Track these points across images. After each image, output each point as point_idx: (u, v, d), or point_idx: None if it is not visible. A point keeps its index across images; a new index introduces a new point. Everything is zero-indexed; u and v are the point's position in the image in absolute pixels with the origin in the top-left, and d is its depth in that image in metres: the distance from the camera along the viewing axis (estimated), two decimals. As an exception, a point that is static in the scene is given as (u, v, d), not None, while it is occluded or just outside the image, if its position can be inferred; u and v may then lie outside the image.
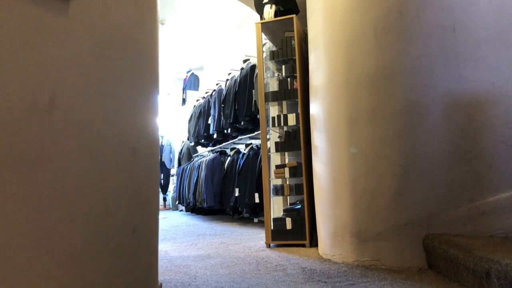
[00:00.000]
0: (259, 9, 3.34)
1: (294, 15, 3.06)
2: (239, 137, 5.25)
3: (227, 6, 5.52)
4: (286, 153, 3.34)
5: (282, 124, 3.05)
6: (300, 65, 3.02)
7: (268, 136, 3.33)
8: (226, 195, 5.16)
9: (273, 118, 3.09)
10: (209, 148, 6.44)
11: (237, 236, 3.69)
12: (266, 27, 3.27)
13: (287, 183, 3.05)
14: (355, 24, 2.27)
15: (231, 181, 5.06)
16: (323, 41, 2.50)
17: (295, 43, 3.03)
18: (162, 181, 8.21)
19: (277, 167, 3.04)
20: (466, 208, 1.95)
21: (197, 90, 8.01)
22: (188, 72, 8.16)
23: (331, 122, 2.39)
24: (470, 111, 2.00)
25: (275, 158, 3.38)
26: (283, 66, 3.11)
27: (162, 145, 8.20)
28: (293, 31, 3.06)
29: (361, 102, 2.21)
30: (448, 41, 2.06)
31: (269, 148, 3.22)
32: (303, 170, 2.90)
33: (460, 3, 2.08)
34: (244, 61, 5.08)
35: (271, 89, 3.27)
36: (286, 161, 3.29)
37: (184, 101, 8.04)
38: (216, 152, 5.90)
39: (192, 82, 8.02)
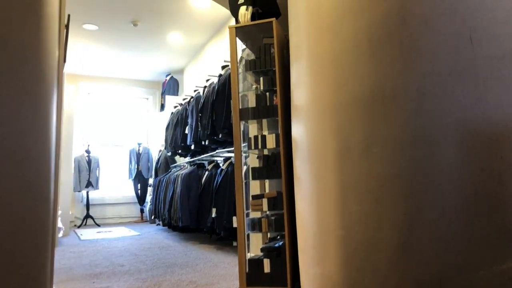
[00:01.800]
0: (234, 11, 2.86)
1: (273, 19, 2.59)
2: (217, 150, 4.77)
3: (207, 6, 5.03)
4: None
5: (260, 147, 2.57)
6: (280, 77, 2.55)
7: (244, 159, 2.86)
8: (203, 214, 4.68)
9: (250, 139, 2.61)
10: (187, 159, 5.94)
11: (210, 270, 3.21)
12: (242, 32, 2.79)
13: (266, 216, 2.58)
14: (345, 33, 1.81)
15: (209, 198, 4.58)
16: (306, 53, 2.03)
17: (275, 51, 2.56)
18: (139, 191, 7.68)
19: (254, 197, 2.56)
20: (489, 272, 1.50)
21: (177, 95, 7.50)
22: (167, 76, 7.64)
23: (317, 152, 1.92)
24: (494, 145, 1.56)
25: (253, 184, 2.90)
26: (261, 78, 2.64)
27: (139, 153, 7.67)
28: (272, 37, 2.59)
29: (354, 130, 1.75)
30: (463, 55, 1.62)
31: (245, 173, 2.75)
32: (284, 202, 2.44)
33: (479, 8, 1.63)
34: (223, 67, 4.60)
35: (249, 104, 2.79)
36: (266, 189, 2.81)
37: (162, 106, 7.52)
38: (194, 164, 5.40)
39: (171, 86, 7.50)
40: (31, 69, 1.21)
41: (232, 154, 4.66)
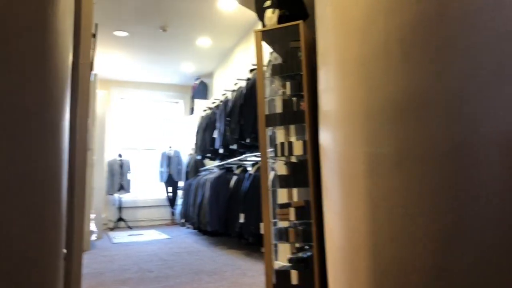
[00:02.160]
0: (260, 15, 2.79)
1: (300, 22, 2.50)
2: (245, 154, 4.71)
3: (234, 10, 4.98)
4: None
5: (287, 153, 2.48)
6: (308, 81, 2.45)
7: (271, 166, 2.77)
8: (232, 218, 4.63)
9: (276, 145, 2.52)
10: (216, 163, 5.93)
11: (238, 278, 3.15)
12: (269, 36, 2.71)
13: (293, 225, 2.49)
14: (375, 35, 1.69)
15: (237, 203, 4.52)
16: (334, 57, 1.93)
17: (302, 55, 2.47)
18: (170, 194, 7.75)
19: (281, 206, 2.48)
20: (539, 298, 1.35)
21: (206, 98, 7.51)
22: (196, 79, 7.67)
23: (345, 163, 1.81)
24: (543, 156, 1.40)
25: (281, 192, 2.82)
26: (288, 83, 2.55)
27: (170, 156, 7.73)
28: (300, 40, 2.50)
29: (385, 139, 1.63)
30: (508, 53, 1.47)
31: (273, 180, 2.66)
32: (312, 212, 2.34)
33: (526, 4, 1.48)
34: (251, 70, 4.54)
35: (276, 110, 2.71)
36: (294, 197, 2.72)
37: (192, 110, 7.56)
38: (222, 168, 5.37)
39: (200, 90, 7.53)
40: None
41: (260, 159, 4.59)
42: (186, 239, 5.78)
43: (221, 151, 5.30)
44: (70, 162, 1.27)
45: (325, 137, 2.07)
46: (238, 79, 4.99)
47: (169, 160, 7.72)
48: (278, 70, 2.57)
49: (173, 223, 7.78)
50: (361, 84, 1.74)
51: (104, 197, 7.24)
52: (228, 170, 5.20)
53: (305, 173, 2.40)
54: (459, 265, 1.43)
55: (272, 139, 3.01)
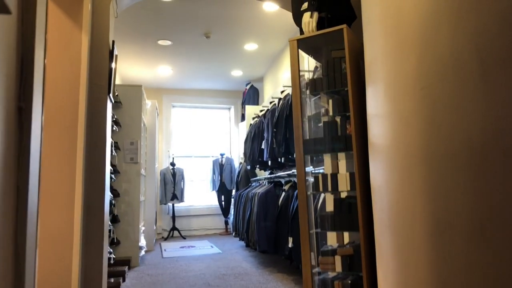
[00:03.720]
0: (297, 19, 2.35)
1: (344, 26, 2.03)
2: (294, 169, 4.28)
3: (278, 13, 4.57)
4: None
5: (330, 189, 2.03)
6: (355, 99, 1.98)
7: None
8: (281, 239, 4.24)
9: (317, 178, 2.08)
10: (267, 173, 5.56)
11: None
12: (307, 44, 2.27)
13: (340, 277, 2.04)
14: (441, 49, 1.20)
15: (286, 223, 4.12)
16: (383, 74, 1.46)
17: (347, 67, 2.00)
18: (223, 203, 7.52)
19: (324, 253, 2.03)
20: None
21: (257, 104, 7.17)
22: (247, 84, 7.34)
23: (401, 220, 1.34)
24: None
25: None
26: (330, 101, 2.10)
27: (222, 164, 7.50)
28: (343, 49, 2.03)
29: (458, 198, 1.14)
30: None
31: (317, 215, 2.23)
32: (363, 263, 1.87)
33: None
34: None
35: (317, 134, 2.27)
36: (345, 239, 2.25)
37: (243, 116, 7.24)
38: (271, 182, 4.98)
39: (251, 96, 7.19)
40: None
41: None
42: (237, 255, 5.48)
43: (269, 163, 4.92)
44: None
45: (376, 176, 1.61)
46: (284, 86, 4.56)
47: (221, 168, 7.49)
48: (317, 86, 2.13)
49: (226, 232, 7.55)
50: (420, 114, 1.26)
51: (158, 207, 7.18)
52: (277, 184, 4.80)
53: (353, 214, 1.94)
54: None
55: (318, 161, 2.56)
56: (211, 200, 7.82)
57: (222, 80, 7.34)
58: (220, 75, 7.02)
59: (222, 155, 7.60)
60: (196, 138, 8.11)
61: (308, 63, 2.32)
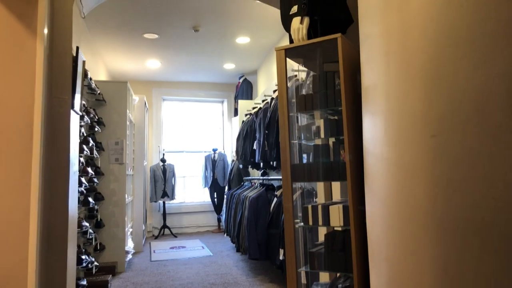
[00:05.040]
0: (286, 24, 2.06)
1: (339, 35, 1.74)
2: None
3: (270, 6, 4.24)
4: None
5: (321, 223, 1.78)
6: (350, 121, 1.71)
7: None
8: (272, 247, 4.02)
9: (306, 209, 1.83)
10: (260, 175, 5.32)
11: None
12: (296, 54, 1.99)
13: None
14: (459, 86, 0.93)
15: (277, 232, 3.89)
16: (384, 108, 1.19)
17: (341, 83, 1.72)
18: (215, 200, 7.29)
19: (312, 296, 1.79)
20: None
21: (251, 98, 6.87)
22: (240, 78, 7.03)
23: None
24: None
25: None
26: (322, 121, 1.83)
27: (214, 160, 7.24)
28: (337, 61, 1.75)
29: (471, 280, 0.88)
30: None
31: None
32: (356, 310, 1.63)
33: None
34: (290, 78, 3.80)
35: (308, 151, 2.00)
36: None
37: (236, 111, 6.95)
38: (263, 185, 4.73)
39: (244, 89, 6.89)
40: None
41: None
42: (227, 258, 5.26)
43: (261, 165, 4.67)
44: None
45: (372, 219, 1.35)
46: (277, 84, 4.26)
47: (214, 164, 7.23)
48: (307, 103, 1.85)
49: (219, 230, 7.33)
50: (430, 171, 1.00)
51: (148, 204, 6.94)
52: (269, 188, 4.55)
53: (347, 252, 1.69)
54: None
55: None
56: (204, 196, 7.59)
57: (214, 73, 7.02)
58: (212, 68, 6.70)
59: (214, 150, 7.34)
60: (188, 133, 7.82)
61: (286, 79, 2.04)
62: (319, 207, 1.77)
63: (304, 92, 1.98)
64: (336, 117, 1.81)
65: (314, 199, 2.28)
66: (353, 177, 1.68)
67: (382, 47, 1.24)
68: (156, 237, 6.87)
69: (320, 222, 1.76)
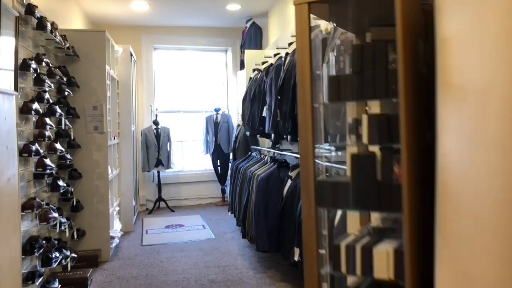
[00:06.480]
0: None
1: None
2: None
3: None
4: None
5: (359, 273, 1.33)
6: (410, 121, 1.21)
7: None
8: (285, 240, 3.64)
9: (337, 248, 1.37)
10: (270, 143, 4.86)
11: None
12: (323, 10, 1.44)
13: None
14: None
15: (291, 222, 3.49)
16: (483, 84, 0.68)
17: (399, 60, 1.20)
18: (219, 168, 6.91)
19: None
20: None
21: (260, 48, 6.26)
22: (247, 21, 6.38)
23: None
24: None
25: None
26: (364, 119, 1.32)
27: (217, 122, 6.77)
28: (392, 25, 1.21)
29: None
30: None
31: None
32: None
33: None
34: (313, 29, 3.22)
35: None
36: None
37: (242, 63, 6.37)
38: (274, 160, 4.28)
39: (252, 36, 6.26)
40: None
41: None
42: (232, 243, 4.94)
43: (272, 136, 4.20)
44: None
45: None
46: (294, 35, 3.69)
47: (216, 127, 6.76)
48: (342, 89, 1.34)
49: (223, 202, 6.99)
50: None
51: (140, 174, 6.60)
52: (281, 166, 4.09)
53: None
54: None
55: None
56: (205, 164, 7.20)
57: (216, 15, 6.36)
58: (212, 9, 6.04)
59: (217, 110, 6.84)
60: (185, 90, 7.28)
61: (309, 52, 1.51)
62: (358, 248, 1.31)
63: (336, 72, 1.45)
64: (386, 113, 1.30)
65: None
66: (410, 213, 1.20)
67: None
68: (150, 212, 6.57)
69: (359, 271, 1.31)
